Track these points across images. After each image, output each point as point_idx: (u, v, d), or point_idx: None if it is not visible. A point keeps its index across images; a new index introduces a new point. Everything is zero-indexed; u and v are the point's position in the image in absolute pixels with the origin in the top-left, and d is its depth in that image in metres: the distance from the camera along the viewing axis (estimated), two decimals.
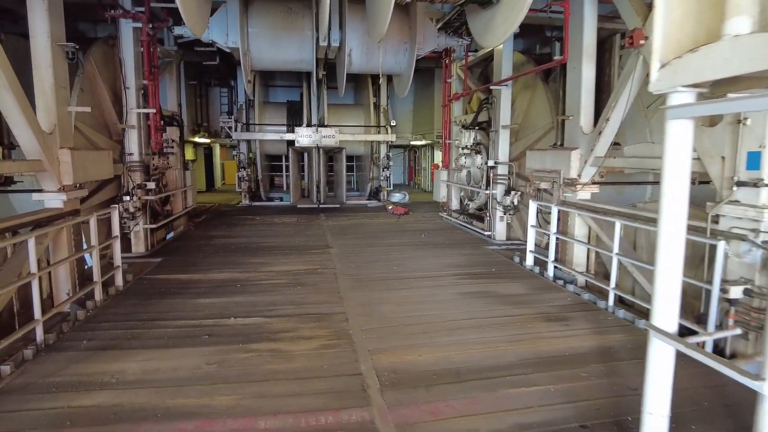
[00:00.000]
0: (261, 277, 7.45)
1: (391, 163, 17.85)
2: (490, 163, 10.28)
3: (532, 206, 8.08)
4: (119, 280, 6.79)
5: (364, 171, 20.09)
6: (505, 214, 10.18)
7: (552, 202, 7.93)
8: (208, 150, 23.69)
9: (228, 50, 10.95)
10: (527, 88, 10.67)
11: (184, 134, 12.16)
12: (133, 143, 8.92)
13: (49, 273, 6.06)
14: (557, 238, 7.42)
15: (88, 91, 8.41)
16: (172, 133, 10.52)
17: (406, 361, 4.50)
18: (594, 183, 7.33)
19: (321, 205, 15.78)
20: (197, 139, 19.63)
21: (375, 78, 17.74)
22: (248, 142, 16.94)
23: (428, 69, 18.29)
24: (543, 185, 8.28)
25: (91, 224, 6.01)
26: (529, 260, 8.07)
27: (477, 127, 11.38)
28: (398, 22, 10.85)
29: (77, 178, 6.16)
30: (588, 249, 7.35)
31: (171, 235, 11.31)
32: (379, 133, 17.40)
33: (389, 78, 18.52)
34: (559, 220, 7.55)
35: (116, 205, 6.73)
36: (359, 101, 20.00)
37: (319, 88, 16.14)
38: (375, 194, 18.63)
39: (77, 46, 6.11)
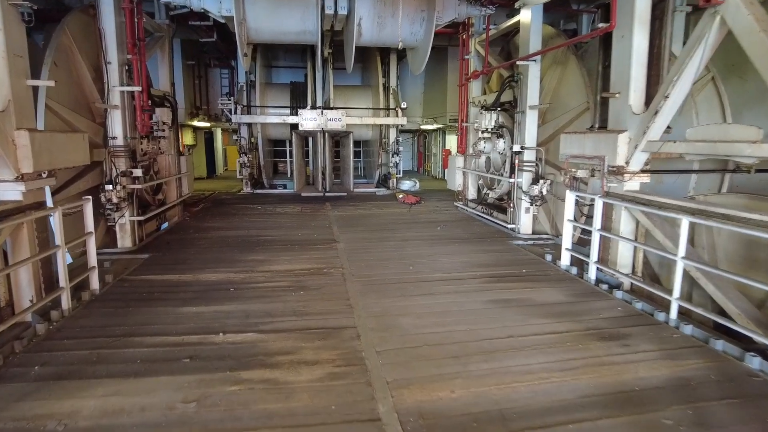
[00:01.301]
0: (258, 278, 6.52)
1: (400, 148, 16.81)
2: (516, 147, 9.24)
3: (570, 197, 7.06)
4: (95, 283, 5.87)
5: (371, 157, 19.07)
6: (531, 205, 9.16)
7: (588, 192, 6.95)
8: (209, 135, 22.69)
9: (222, 20, 9.86)
10: (557, 64, 9.55)
11: (179, 117, 11.16)
12: (116, 125, 7.94)
13: (8, 277, 5.15)
14: (600, 235, 6.41)
15: (64, 67, 7.43)
16: (162, 114, 9.53)
17: (436, 399, 3.54)
18: (643, 171, 6.30)
19: (327, 194, 14.80)
20: (196, 123, 18.63)
21: (384, 56, 16.67)
22: (249, 125, 15.92)
23: (441, 47, 17.04)
24: (580, 173, 7.25)
25: (55, 219, 5.06)
26: (565, 259, 7.07)
27: (499, 109, 10.31)
28: None
29: (40, 165, 5.19)
30: (635, 248, 6.35)
31: (165, 225, 10.41)
32: (388, 116, 16.32)
33: (399, 56, 17.41)
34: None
35: (88, 197, 5.77)
36: (367, 82, 18.90)
37: (325, 68, 15.07)
38: (384, 182, 17.62)
39: (34, 6, 5.10)
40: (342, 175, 16.15)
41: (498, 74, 12.42)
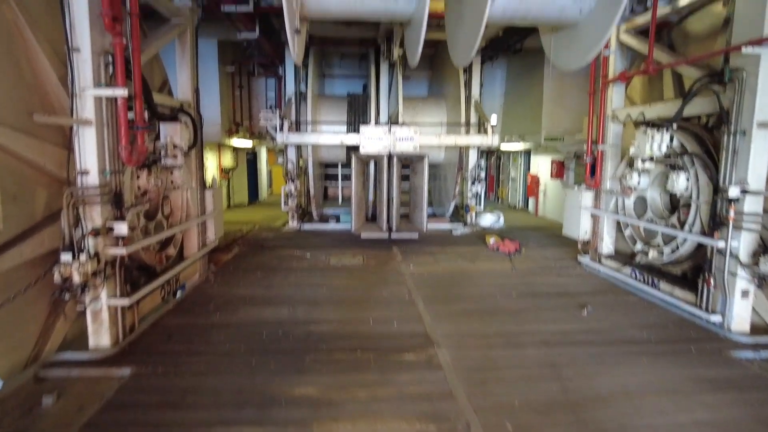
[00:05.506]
0: None
1: (482, 174, 13.31)
2: (733, 192, 5.54)
3: None
4: None
5: (440, 182, 15.67)
6: (759, 286, 5.46)
7: None
8: (251, 155, 19.94)
9: None
10: None
11: (202, 135, 7.99)
12: (87, 152, 4.89)
13: None
14: None
15: (4, 54, 4.46)
16: (174, 134, 6.51)
17: None
18: None
19: (393, 234, 11.41)
20: (235, 141, 15.80)
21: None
22: (298, 147, 12.86)
23: (532, 50, 13.43)
24: None
25: None
26: None
27: (676, 126, 6.68)
28: None
29: None
30: None
31: (183, 289, 7.28)
32: (468, 133, 12.87)
33: (483, 58, 14.02)
34: None
35: None
36: (438, 91, 15.56)
37: (393, 72, 11.82)
38: (457, 215, 14.16)
39: None
40: (412, 211, 12.73)
41: (643, 82, 8.80)
